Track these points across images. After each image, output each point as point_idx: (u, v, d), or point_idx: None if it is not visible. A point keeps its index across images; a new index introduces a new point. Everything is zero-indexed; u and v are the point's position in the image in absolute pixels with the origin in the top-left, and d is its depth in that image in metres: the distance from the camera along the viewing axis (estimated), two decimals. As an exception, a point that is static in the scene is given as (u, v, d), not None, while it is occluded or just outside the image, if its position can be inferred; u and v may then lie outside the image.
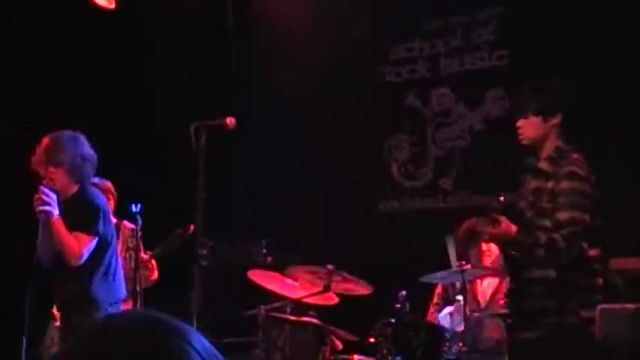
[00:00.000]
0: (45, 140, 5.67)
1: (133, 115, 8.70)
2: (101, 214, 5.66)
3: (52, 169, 5.60)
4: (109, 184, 6.91)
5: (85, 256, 5.56)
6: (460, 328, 6.15)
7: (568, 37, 7.34)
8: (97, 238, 5.61)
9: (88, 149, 5.75)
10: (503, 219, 4.77)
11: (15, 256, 5.93)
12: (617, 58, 7.02)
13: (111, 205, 6.85)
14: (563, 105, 4.95)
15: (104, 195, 6.65)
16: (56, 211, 5.55)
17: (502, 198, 4.91)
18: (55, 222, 5.52)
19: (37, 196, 5.56)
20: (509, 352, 5.73)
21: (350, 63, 8.43)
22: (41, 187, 5.56)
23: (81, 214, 5.61)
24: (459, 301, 6.22)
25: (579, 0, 7.37)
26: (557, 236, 4.66)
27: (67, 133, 5.74)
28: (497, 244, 5.40)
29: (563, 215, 4.69)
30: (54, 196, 5.56)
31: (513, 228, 4.75)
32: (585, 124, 6.17)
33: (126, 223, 6.55)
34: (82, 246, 5.54)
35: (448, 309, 6.28)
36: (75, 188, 5.71)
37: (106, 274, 5.72)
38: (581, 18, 7.30)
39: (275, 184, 8.24)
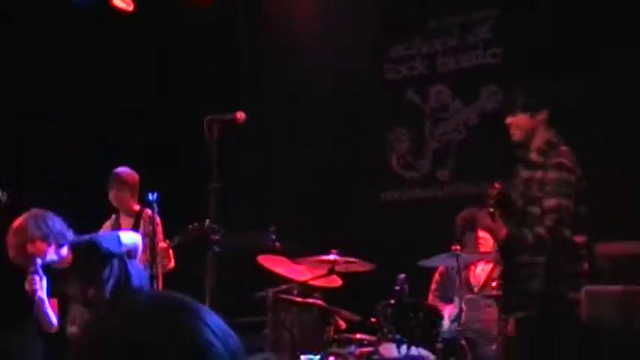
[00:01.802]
0: (16, 227, 5.50)
1: (151, 109, 8.70)
2: (103, 240, 5.71)
3: (31, 247, 5.51)
4: (134, 175, 6.91)
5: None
6: (456, 311, 6.16)
7: (558, 35, 7.33)
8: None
9: (57, 223, 5.64)
10: (497, 217, 4.80)
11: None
12: (605, 56, 7.00)
13: (135, 194, 6.87)
14: (550, 101, 4.95)
15: (133, 183, 6.69)
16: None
17: (497, 185, 4.92)
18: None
19: (29, 283, 5.54)
20: (500, 332, 5.74)
21: (353, 61, 8.41)
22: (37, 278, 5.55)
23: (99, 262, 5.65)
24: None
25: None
26: (542, 231, 4.68)
27: (31, 214, 5.61)
28: (490, 235, 5.40)
29: (549, 202, 4.71)
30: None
31: (502, 232, 4.79)
32: (577, 117, 6.17)
33: (147, 210, 6.55)
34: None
35: (448, 310, 6.26)
36: (65, 251, 5.65)
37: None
38: (572, 17, 7.28)
39: (283, 175, 8.24)
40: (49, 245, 5.49)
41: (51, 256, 5.54)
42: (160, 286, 6.09)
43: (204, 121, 5.44)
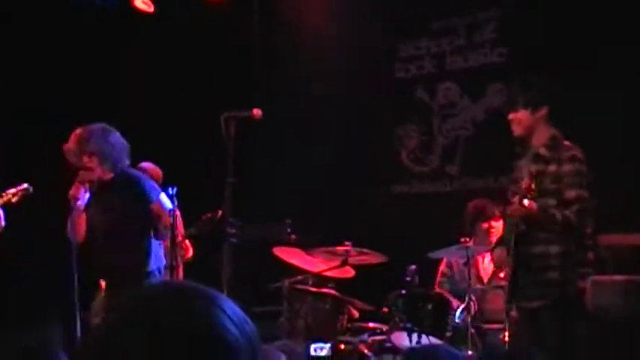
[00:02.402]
0: (76, 132, 5.69)
1: (171, 107, 8.71)
2: (145, 182, 5.73)
3: (86, 158, 5.62)
4: (158, 170, 6.93)
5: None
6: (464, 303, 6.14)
7: (561, 35, 7.30)
8: (163, 194, 5.70)
9: (116, 138, 5.75)
10: (515, 199, 4.78)
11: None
12: (605, 55, 6.96)
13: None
14: (550, 97, 4.93)
15: (155, 178, 6.72)
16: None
17: (531, 183, 4.87)
18: None
19: (75, 190, 5.60)
20: (510, 321, 5.72)
21: (364, 60, 8.41)
22: (83, 188, 5.61)
23: (138, 194, 5.67)
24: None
25: (572, 1, 7.30)
26: (570, 214, 4.67)
27: (97, 125, 5.75)
28: (506, 221, 5.37)
29: (570, 194, 4.71)
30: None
31: (534, 206, 4.74)
32: (579, 113, 6.14)
33: None
34: (166, 209, 5.62)
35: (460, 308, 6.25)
36: (110, 175, 5.72)
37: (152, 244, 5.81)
38: (575, 17, 7.25)
39: (297, 169, 8.24)
40: (104, 165, 5.57)
41: (102, 175, 5.66)
42: (180, 276, 6.11)
43: (221, 118, 5.44)
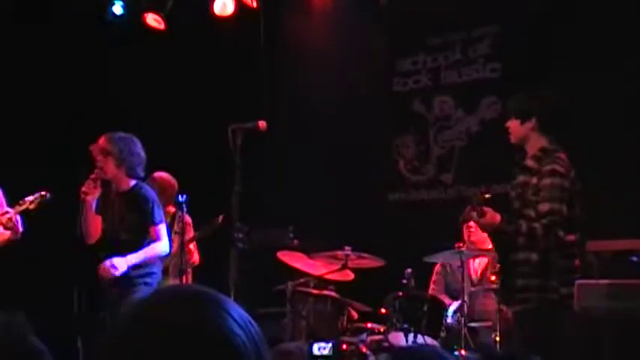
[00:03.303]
0: (105, 134, 5.78)
1: (182, 119, 8.74)
2: (155, 208, 5.74)
3: (101, 157, 5.68)
4: (172, 180, 6.95)
5: (167, 242, 5.74)
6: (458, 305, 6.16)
7: (553, 50, 7.33)
8: (164, 224, 5.73)
9: (137, 149, 5.80)
10: (488, 210, 4.80)
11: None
12: (594, 69, 6.99)
13: (172, 196, 6.92)
14: (539, 109, 4.94)
15: (169, 188, 6.74)
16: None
17: (488, 195, 4.93)
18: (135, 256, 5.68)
19: (87, 187, 5.64)
20: (499, 322, 5.74)
21: (364, 74, 8.43)
22: (96, 186, 5.67)
23: (145, 210, 5.70)
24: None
25: (563, 16, 7.31)
26: (536, 225, 4.67)
27: (121, 133, 5.82)
28: (484, 231, 5.39)
29: (544, 207, 4.71)
30: None
31: (497, 217, 4.78)
32: (569, 125, 6.16)
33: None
34: (163, 240, 5.68)
35: (454, 305, 6.27)
36: (129, 183, 5.76)
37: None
38: (564, 34, 7.28)
39: (301, 178, 8.25)
40: (118, 168, 5.61)
41: (114, 176, 5.70)
42: (189, 280, 6.13)
43: (228, 129, 5.47)
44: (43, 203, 5.88)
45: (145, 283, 5.67)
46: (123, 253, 5.63)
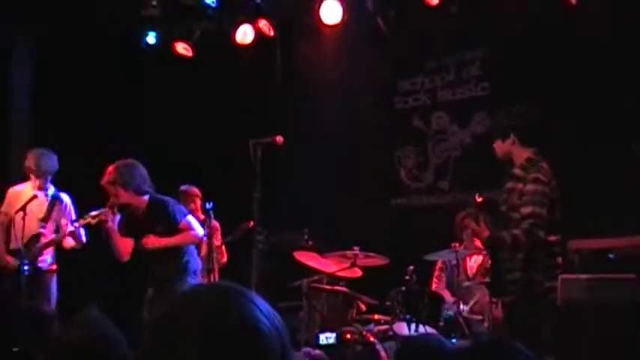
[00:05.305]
0: (109, 167, 5.75)
1: (208, 136, 8.77)
2: (171, 205, 5.77)
3: (111, 187, 5.68)
4: (195, 190, 6.98)
5: (199, 227, 5.75)
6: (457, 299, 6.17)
7: (534, 68, 7.34)
8: (189, 215, 5.75)
9: (138, 170, 5.77)
10: (482, 221, 4.82)
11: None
12: (572, 85, 7.00)
13: (197, 205, 6.94)
14: (515, 126, 4.93)
15: (191, 198, 6.76)
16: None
17: (480, 199, 4.94)
18: (163, 241, 5.68)
19: (103, 215, 5.67)
20: (491, 312, 5.74)
21: (369, 94, 8.44)
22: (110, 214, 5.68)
23: (167, 215, 5.71)
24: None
25: (543, 40, 7.33)
26: (518, 232, 4.65)
27: (122, 160, 5.79)
28: (475, 236, 5.41)
29: (526, 210, 4.70)
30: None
31: (486, 234, 4.79)
32: (550, 136, 6.16)
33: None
34: (194, 228, 5.69)
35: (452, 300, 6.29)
36: (144, 200, 5.76)
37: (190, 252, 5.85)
38: (547, 56, 7.29)
39: (314, 186, 8.26)
40: (127, 191, 5.63)
41: (128, 200, 5.65)
42: (216, 277, 6.14)
43: (249, 144, 5.49)
44: (103, 220, 5.92)
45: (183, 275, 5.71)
46: (161, 261, 5.67)
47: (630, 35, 6.73)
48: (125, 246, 5.75)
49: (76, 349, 2.10)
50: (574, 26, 7.01)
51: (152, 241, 5.65)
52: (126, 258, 5.75)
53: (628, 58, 6.75)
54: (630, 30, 6.73)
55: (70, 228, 6.29)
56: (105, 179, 5.70)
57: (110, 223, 5.67)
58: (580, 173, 6.43)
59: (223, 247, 6.82)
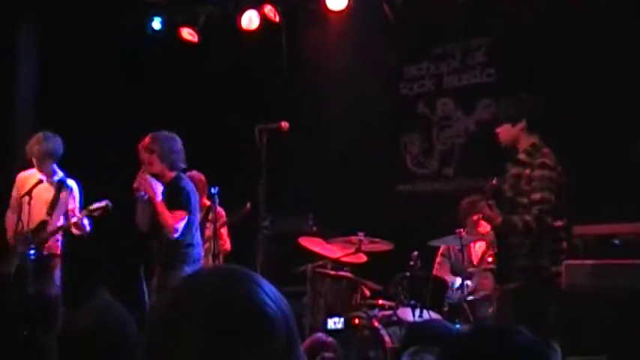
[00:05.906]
0: (148, 135, 5.80)
1: (214, 122, 8.76)
2: (190, 196, 5.73)
3: (147, 155, 5.70)
4: (202, 177, 6.98)
5: (180, 230, 5.63)
6: (460, 281, 6.16)
7: (540, 59, 7.30)
8: (187, 216, 5.67)
9: (177, 146, 5.81)
10: (493, 207, 4.80)
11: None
12: (578, 76, 6.97)
13: (204, 190, 6.94)
14: (527, 112, 4.93)
15: (199, 183, 6.76)
16: (160, 197, 5.63)
17: (495, 182, 4.93)
18: (158, 205, 5.60)
19: (138, 182, 5.65)
20: (496, 298, 5.73)
21: (375, 80, 8.42)
22: (145, 177, 5.66)
23: (176, 196, 5.69)
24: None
25: (550, 31, 7.29)
26: (529, 218, 4.66)
27: (165, 132, 5.84)
28: (487, 222, 5.39)
29: (536, 196, 4.70)
30: (160, 187, 5.67)
31: (499, 220, 4.78)
32: (555, 123, 6.14)
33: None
34: (177, 221, 5.62)
35: (457, 281, 6.27)
36: (171, 175, 5.77)
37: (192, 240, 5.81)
38: (551, 44, 7.25)
39: (318, 172, 8.26)
40: (162, 163, 5.61)
41: (159, 170, 5.69)
42: (221, 262, 6.15)
43: (254, 129, 5.48)
44: (105, 212, 5.98)
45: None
46: (167, 247, 5.66)
47: (634, 30, 6.69)
48: (173, 217, 5.66)
49: (84, 332, 2.11)
50: (577, 21, 6.98)
51: (149, 186, 5.60)
52: (173, 234, 5.67)
53: (631, 53, 6.72)
54: (634, 24, 6.69)
55: (74, 218, 6.31)
56: (144, 144, 5.70)
57: (143, 194, 5.62)
58: (584, 159, 6.41)
59: (224, 233, 6.81)
